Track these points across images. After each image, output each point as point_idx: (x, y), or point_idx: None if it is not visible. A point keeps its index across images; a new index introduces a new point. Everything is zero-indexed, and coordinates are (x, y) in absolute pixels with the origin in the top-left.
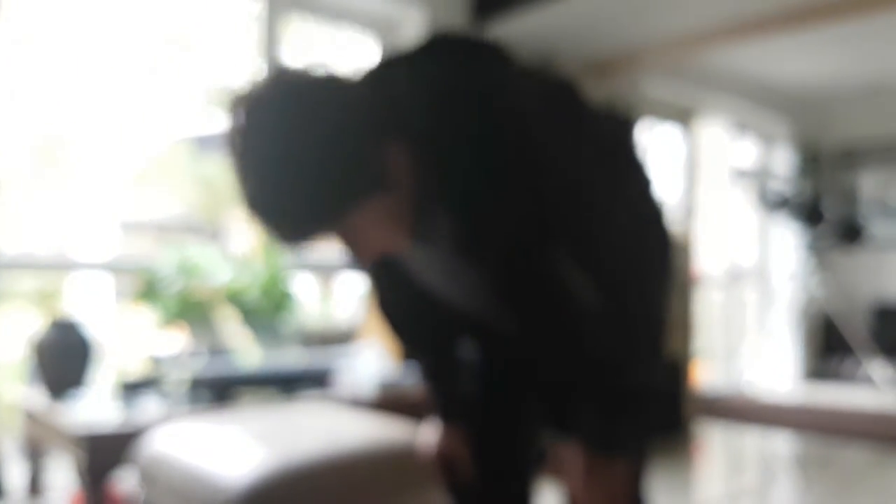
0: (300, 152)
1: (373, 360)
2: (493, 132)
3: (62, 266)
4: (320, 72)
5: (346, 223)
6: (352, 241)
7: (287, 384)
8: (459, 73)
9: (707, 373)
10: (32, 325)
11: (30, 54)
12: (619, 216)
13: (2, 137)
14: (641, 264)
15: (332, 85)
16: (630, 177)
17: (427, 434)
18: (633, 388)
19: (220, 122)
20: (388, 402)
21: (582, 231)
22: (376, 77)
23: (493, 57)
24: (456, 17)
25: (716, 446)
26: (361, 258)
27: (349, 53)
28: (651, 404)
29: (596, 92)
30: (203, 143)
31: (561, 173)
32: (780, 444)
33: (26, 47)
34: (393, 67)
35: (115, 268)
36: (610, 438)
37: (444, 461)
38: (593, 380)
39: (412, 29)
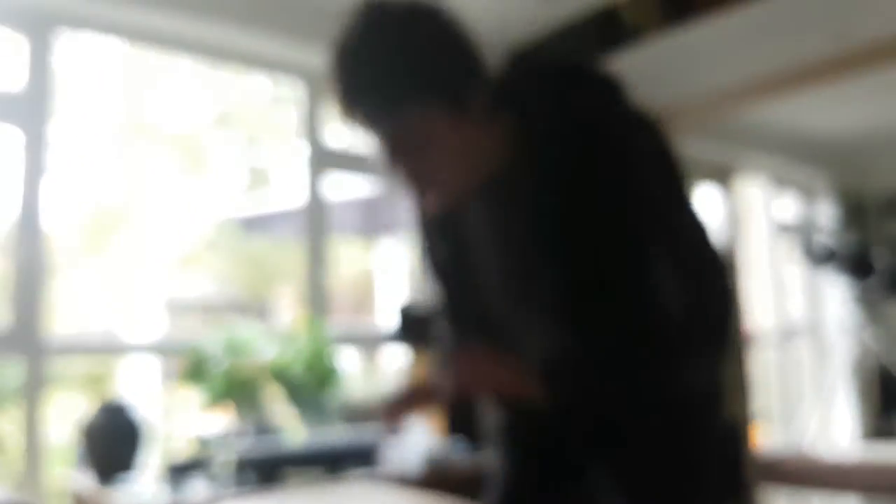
0: (395, 41)
1: (419, 434)
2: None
3: (110, 349)
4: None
5: (414, 124)
6: (418, 169)
7: (333, 462)
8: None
9: (765, 436)
10: (80, 408)
11: (78, 137)
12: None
13: (50, 221)
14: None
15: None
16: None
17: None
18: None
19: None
20: (436, 479)
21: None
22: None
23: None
24: None
25: None
26: (425, 197)
27: None
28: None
29: None
30: (248, 224)
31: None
32: None
33: (76, 130)
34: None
35: (162, 349)
36: None
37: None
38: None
39: None
